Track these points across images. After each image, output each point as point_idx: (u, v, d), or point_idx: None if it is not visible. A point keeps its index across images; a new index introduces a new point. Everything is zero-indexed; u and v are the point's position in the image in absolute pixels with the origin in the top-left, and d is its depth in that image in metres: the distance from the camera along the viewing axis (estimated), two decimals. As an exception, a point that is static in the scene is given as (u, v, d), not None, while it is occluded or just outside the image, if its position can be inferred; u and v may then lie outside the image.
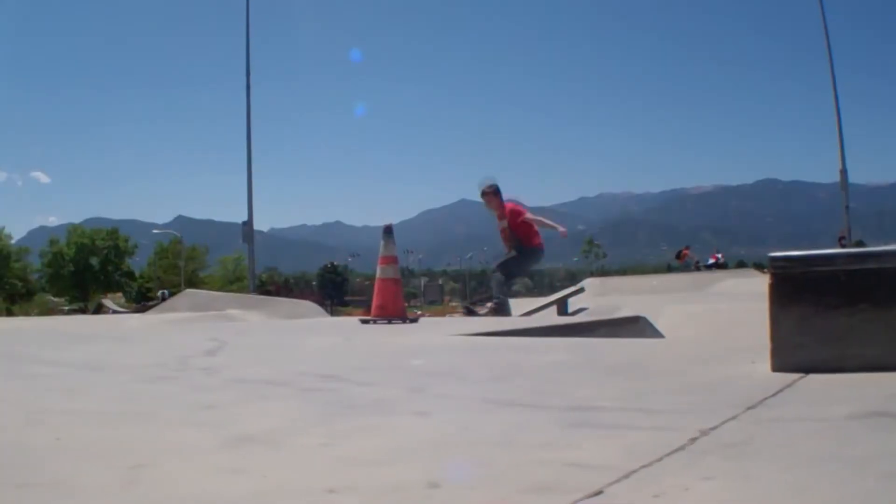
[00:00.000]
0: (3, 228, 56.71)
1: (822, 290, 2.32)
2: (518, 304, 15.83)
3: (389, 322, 6.27)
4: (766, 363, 2.35)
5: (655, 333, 6.13)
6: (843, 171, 23.91)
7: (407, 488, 1.05)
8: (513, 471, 1.14)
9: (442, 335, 4.65)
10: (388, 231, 6.81)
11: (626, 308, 9.56)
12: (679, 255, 28.90)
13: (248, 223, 25.37)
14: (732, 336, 5.71)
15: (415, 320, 6.73)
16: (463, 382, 2.35)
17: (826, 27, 23.86)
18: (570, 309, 13.29)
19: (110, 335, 5.90)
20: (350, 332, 5.22)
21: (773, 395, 1.83)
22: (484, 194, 8.14)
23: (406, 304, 7.28)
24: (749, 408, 1.65)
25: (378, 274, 6.57)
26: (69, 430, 1.56)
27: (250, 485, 1.12)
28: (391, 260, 6.65)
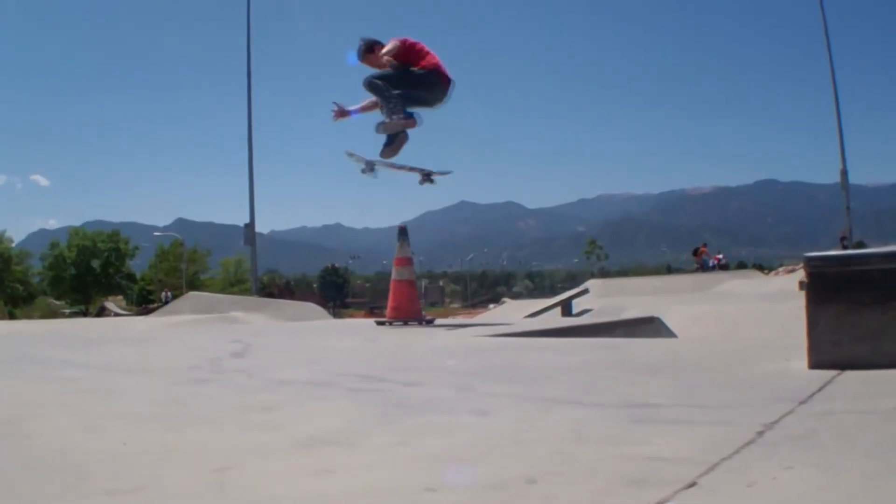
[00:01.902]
0: (5, 232, 56.76)
1: (856, 288, 2.36)
2: (522, 306, 15.88)
3: (405, 323, 6.26)
4: (799, 360, 2.40)
5: (669, 334, 6.16)
6: (844, 172, 23.92)
7: (505, 485, 1.06)
8: (599, 465, 1.15)
9: (463, 336, 4.65)
10: (402, 232, 6.76)
11: (631, 309, 9.59)
12: (696, 253, 28.74)
13: (250, 225, 25.37)
14: (746, 336, 5.76)
15: (430, 322, 6.69)
16: (507, 382, 2.36)
17: (826, 27, 23.90)
18: (575, 310, 13.32)
19: (123, 338, 5.90)
20: (370, 334, 5.22)
21: (819, 390, 1.87)
22: (364, 58, 5.97)
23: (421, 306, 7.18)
24: (801, 402, 1.68)
25: (393, 275, 6.55)
26: (133, 435, 1.54)
27: (342, 485, 1.11)
28: (406, 261, 6.62)
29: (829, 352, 2.31)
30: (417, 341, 4.43)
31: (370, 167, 6.40)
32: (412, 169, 6.57)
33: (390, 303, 6.50)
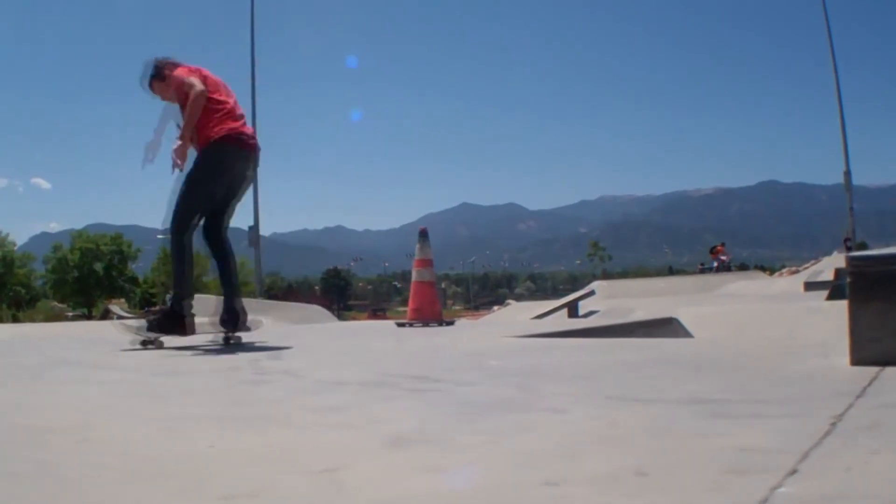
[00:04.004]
0: (8, 235, 56.84)
1: (896, 287, 2.38)
2: (527, 308, 15.88)
3: (426, 325, 6.25)
4: (837, 357, 2.46)
5: (686, 334, 6.18)
6: (848, 173, 23.88)
7: (619, 477, 1.08)
8: (698, 457, 1.18)
9: (490, 338, 4.65)
10: (423, 234, 6.76)
11: (639, 311, 9.59)
12: (713, 251, 28.62)
13: (255, 228, 25.39)
14: (762, 336, 5.76)
15: (451, 323, 6.71)
16: (561, 381, 2.36)
17: (829, 28, 23.87)
18: (581, 312, 13.32)
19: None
20: (396, 335, 5.21)
21: (870, 384, 1.90)
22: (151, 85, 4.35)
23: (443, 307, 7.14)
24: (857, 396, 1.72)
25: (414, 277, 6.55)
26: (215, 437, 1.51)
27: (457, 482, 1.10)
28: (427, 263, 6.62)
29: (870, 348, 2.36)
30: (448, 342, 4.42)
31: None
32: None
33: (411, 304, 6.51)
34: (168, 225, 4.18)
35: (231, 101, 4.28)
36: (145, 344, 4.22)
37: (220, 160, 4.12)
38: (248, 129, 4.35)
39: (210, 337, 4.36)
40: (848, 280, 2.42)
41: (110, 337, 5.99)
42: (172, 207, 4.13)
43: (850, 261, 2.45)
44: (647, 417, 1.58)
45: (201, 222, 4.28)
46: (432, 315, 6.47)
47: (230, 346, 4.21)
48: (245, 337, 4.40)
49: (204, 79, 4.14)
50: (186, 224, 4.14)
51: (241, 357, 3.56)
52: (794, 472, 1.04)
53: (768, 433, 1.35)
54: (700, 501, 0.95)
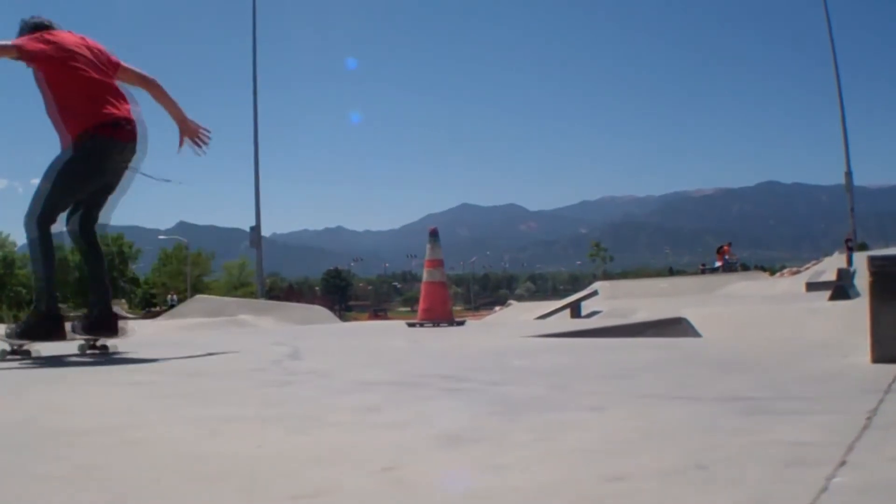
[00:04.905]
0: (8, 236, 56.94)
1: (917, 286, 2.40)
2: (529, 308, 15.88)
3: (436, 325, 6.27)
4: (856, 356, 2.49)
5: (696, 334, 6.20)
6: (849, 174, 23.92)
7: (681, 471, 1.09)
8: (751, 451, 1.21)
9: (506, 337, 4.63)
10: (433, 234, 6.77)
11: (642, 311, 9.61)
12: (720, 251, 28.63)
13: (257, 228, 25.46)
14: (771, 336, 5.76)
15: (461, 323, 6.73)
16: (592, 380, 2.36)
17: (830, 29, 23.89)
18: (584, 312, 13.34)
19: (150, 342, 5.90)
20: (410, 335, 5.21)
21: (894, 380, 1.91)
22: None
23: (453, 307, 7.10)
24: (886, 392, 1.74)
25: (425, 277, 6.57)
26: (261, 438, 1.49)
27: (522, 479, 1.10)
28: (438, 263, 6.63)
29: (891, 346, 2.39)
30: (465, 342, 4.41)
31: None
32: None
33: (422, 304, 6.53)
34: (30, 218, 3.75)
35: (98, 75, 3.72)
36: (13, 353, 3.68)
37: (90, 153, 3.65)
38: (125, 111, 3.78)
39: (80, 342, 3.95)
40: (869, 280, 2.45)
41: (132, 339, 5.97)
42: (35, 198, 3.74)
43: (872, 261, 2.47)
44: (689, 415, 1.60)
45: (67, 215, 3.93)
46: (443, 315, 6.49)
47: (102, 353, 3.90)
48: (121, 345, 4.09)
49: (52, 44, 3.63)
50: (52, 218, 3.76)
51: (261, 357, 3.56)
52: (843, 463, 1.08)
53: (810, 428, 1.38)
54: (769, 491, 0.97)
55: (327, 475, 1.15)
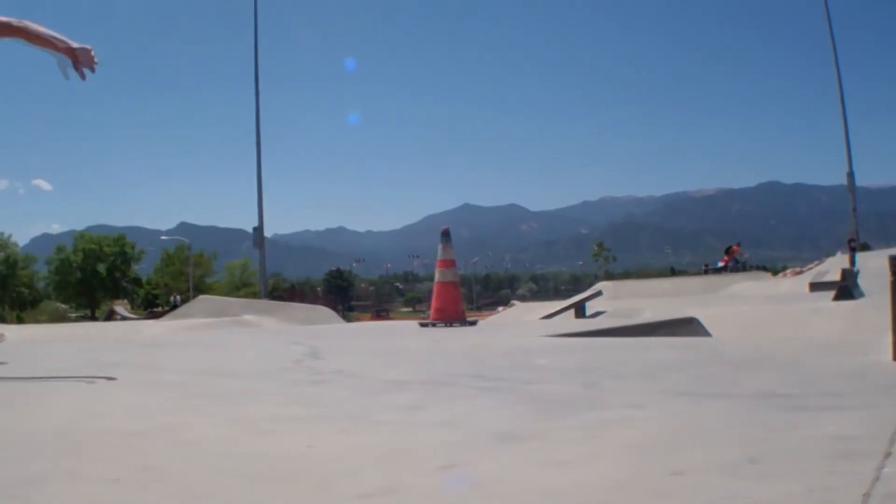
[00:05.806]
0: (10, 236, 56.96)
1: (935, 286, 2.41)
2: (532, 308, 15.86)
3: (448, 325, 6.24)
4: (877, 354, 2.52)
5: (706, 334, 6.19)
6: (851, 174, 23.86)
7: (735, 465, 1.11)
8: (799, 445, 1.23)
9: (522, 337, 4.64)
10: (445, 235, 6.73)
11: (646, 311, 9.59)
12: (728, 251, 28.56)
13: (259, 229, 25.45)
14: (780, 335, 5.77)
15: (473, 323, 6.70)
16: (622, 378, 2.36)
17: (831, 29, 23.83)
18: (588, 312, 13.32)
19: (158, 342, 5.89)
20: (426, 335, 5.20)
21: (922, 377, 1.93)
22: None
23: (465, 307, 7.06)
24: None
25: (437, 277, 6.54)
26: (309, 438, 1.50)
27: (586, 475, 1.11)
28: (449, 263, 6.62)
29: None
30: (482, 342, 4.40)
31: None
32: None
33: (434, 304, 6.51)
34: None
35: None
36: None
37: None
38: None
39: None
40: (891, 279, 2.46)
41: (140, 339, 5.98)
42: None
43: (893, 261, 2.48)
44: (728, 411, 1.62)
45: None
46: (455, 315, 6.47)
47: None
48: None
49: None
50: None
51: (283, 357, 3.55)
52: (888, 454, 1.11)
53: (850, 423, 1.41)
54: (823, 482, 0.99)
55: (389, 474, 1.15)
